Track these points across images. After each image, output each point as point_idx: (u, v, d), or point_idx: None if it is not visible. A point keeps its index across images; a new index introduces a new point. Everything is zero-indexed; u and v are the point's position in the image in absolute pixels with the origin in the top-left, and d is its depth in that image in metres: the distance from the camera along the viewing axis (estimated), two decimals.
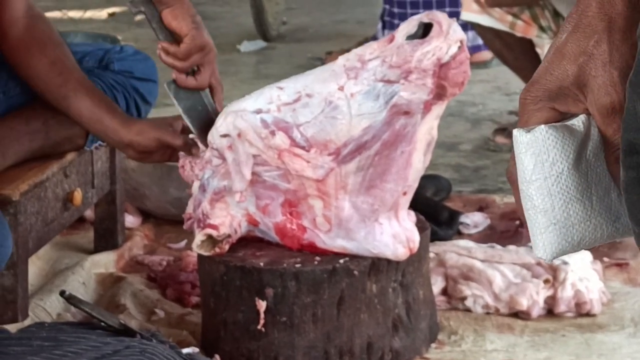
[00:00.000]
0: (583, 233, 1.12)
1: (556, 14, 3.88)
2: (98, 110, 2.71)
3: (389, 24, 4.81)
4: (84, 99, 2.72)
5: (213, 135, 2.66)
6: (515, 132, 1.11)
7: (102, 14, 6.47)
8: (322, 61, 4.98)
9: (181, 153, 2.72)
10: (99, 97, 2.74)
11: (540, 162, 1.10)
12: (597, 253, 3.13)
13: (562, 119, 1.12)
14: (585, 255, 3.00)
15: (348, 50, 2.88)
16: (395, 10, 4.94)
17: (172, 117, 2.83)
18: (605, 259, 3.17)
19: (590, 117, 1.11)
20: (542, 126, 1.10)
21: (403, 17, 3.82)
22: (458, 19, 3.31)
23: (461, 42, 2.63)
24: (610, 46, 1.09)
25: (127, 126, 2.68)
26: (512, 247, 3.09)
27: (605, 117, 1.09)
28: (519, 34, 3.92)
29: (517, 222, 3.43)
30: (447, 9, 4.28)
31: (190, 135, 2.72)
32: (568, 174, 1.11)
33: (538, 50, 3.96)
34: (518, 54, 3.99)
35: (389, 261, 2.66)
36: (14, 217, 2.65)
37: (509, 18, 3.90)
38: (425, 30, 2.64)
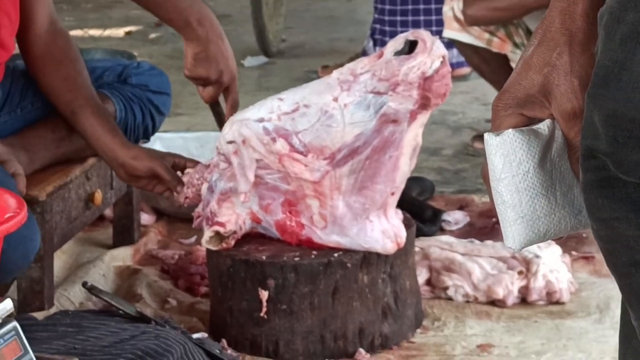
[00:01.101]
0: (548, 225, 1.13)
1: (529, 32, 3.88)
2: (100, 129, 2.68)
3: (380, 42, 4.80)
4: (89, 117, 2.69)
5: (220, 142, 2.66)
6: (486, 135, 1.12)
7: (120, 32, 6.46)
8: (317, 75, 4.98)
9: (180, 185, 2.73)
10: (103, 117, 2.72)
11: (508, 162, 1.10)
12: (566, 247, 3.13)
13: (530, 123, 1.12)
14: (555, 249, 3.00)
15: (341, 65, 2.88)
16: (387, 28, 4.93)
17: (166, 153, 2.83)
18: (574, 253, 3.17)
19: (554, 121, 1.11)
20: (510, 130, 1.11)
21: (394, 35, 3.81)
22: (441, 37, 3.32)
23: (443, 57, 2.62)
24: (571, 57, 1.09)
25: (125, 148, 2.67)
26: (489, 242, 3.08)
27: (567, 121, 1.09)
28: (495, 50, 3.92)
29: (494, 220, 3.42)
30: (434, 28, 4.27)
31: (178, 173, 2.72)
32: (534, 172, 1.11)
33: (512, 64, 3.95)
34: (494, 68, 3.99)
35: (378, 255, 2.66)
36: (41, 215, 2.64)
37: (486, 35, 3.89)
38: (411, 47, 2.64)
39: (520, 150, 1.10)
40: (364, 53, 4.64)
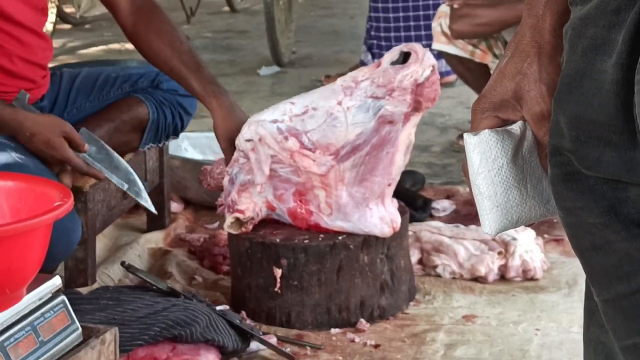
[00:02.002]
0: (520, 213, 1.13)
1: (506, 44, 3.86)
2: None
3: (378, 55, 4.78)
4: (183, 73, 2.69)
5: (240, 140, 2.66)
6: (465, 135, 1.12)
7: None
8: (322, 82, 4.98)
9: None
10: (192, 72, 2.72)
11: (485, 158, 1.10)
12: (539, 231, 3.13)
13: (504, 124, 1.12)
14: (530, 233, 3.00)
15: (343, 74, 2.88)
16: (383, 43, 4.93)
17: None
18: (546, 236, 3.17)
19: (525, 122, 1.11)
20: (486, 130, 1.11)
21: (389, 48, 3.82)
22: (431, 49, 3.32)
23: (433, 67, 2.62)
24: (539, 67, 1.09)
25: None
26: (472, 227, 3.08)
27: (537, 123, 1.10)
28: (477, 60, 3.92)
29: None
30: (424, 42, 4.26)
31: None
32: (507, 167, 1.11)
33: (492, 72, 3.94)
34: (477, 76, 3.98)
35: (377, 238, 2.66)
36: (84, 204, 2.65)
37: (470, 48, 3.89)
38: (405, 57, 2.64)
39: (495, 148, 1.10)
40: (362, 63, 4.63)
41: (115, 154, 2.63)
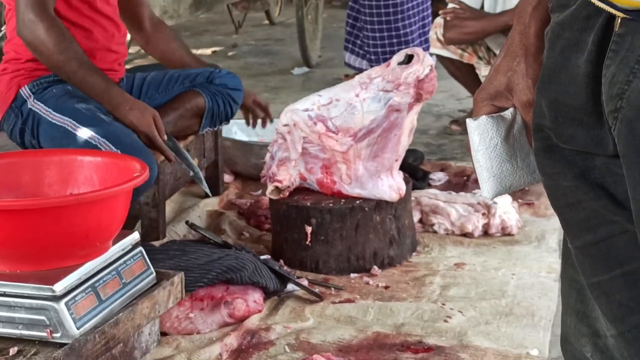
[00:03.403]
0: (512, 181, 1.12)
1: (488, 49, 3.84)
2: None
3: (376, 60, 4.46)
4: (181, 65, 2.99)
5: (278, 125, 2.68)
6: (467, 120, 1.11)
7: (208, 51, 6.45)
8: (342, 79, 4.92)
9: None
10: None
11: (483, 138, 1.09)
12: (514, 196, 3.11)
13: (499, 111, 1.11)
14: (507, 198, 2.98)
15: (357, 74, 2.86)
16: (374, 50, 4.56)
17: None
18: (520, 200, 3.14)
19: (515, 109, 1.10)
20: (484, 116, 1.10)
21: (386, 54, 3.83)
22: (430, 53, 3.28)
23: (431, 66, 2.61)
24: (526, 64, 1.07)
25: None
26: (462, 193, 3.06)
27: (524, 109, 1.08)
28: (465, 61, 3.88)
29: (465, 178, 3.40)
30: (424, 45, 4.17)
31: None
32: (501, 145, 1.10)
33: (477, 71, 3.92)
34: (464, 73, 3.95)
35: (386, 202, 2.65)
36: (157, 176, 2.65)
37: (459, 51, 3.86)
38: (409, 59, 2.62)
39: (491, 130, 1.09)
40: (361, 70, 4.36)
41: (182, 149, 2.62)
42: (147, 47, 2.99)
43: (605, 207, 0.98)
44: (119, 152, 2.27)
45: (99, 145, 2.32)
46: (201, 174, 2.65)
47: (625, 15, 0.87)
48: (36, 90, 2.48)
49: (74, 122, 2.38)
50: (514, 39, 1.09)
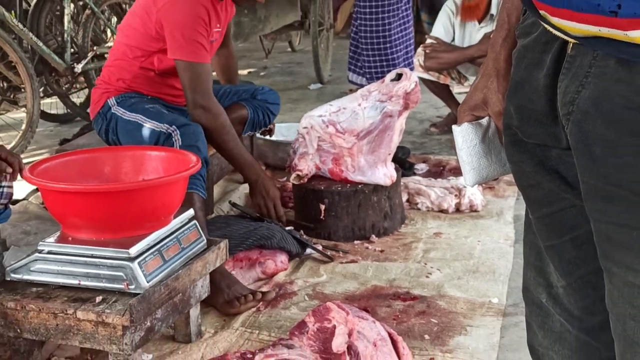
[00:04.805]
0: (487, 173, 1.10)
1: (459, 72, 3.81)
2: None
3: (375, 78, 4.43)
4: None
5: (300, 128, 2.66)
6: (453, 126, 1.11)
7: (244, 72, 6.42)
8: (347, 93, 4.89)
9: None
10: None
11: (465, 140, 1.08)
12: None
13: (477, 119, 1.09)
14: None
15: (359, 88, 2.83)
16: (384, 69, 4.55)
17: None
18: (483, 185, 3.12)
19: (490, 117, 1.09)
20: (466, 123, 1.09)
21: (383, 74, 3.79)
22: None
23: (416, 82, 2.58)
24: (498, 83, 1.06)
25: None
26: (439, 180, 3.03)
27: (496, 117, 1.07)
28: (441, 82, 3.85)
29: (441, 168, 3.37)
30: (408, 67, 4.14)
31: None
32: (479, 145, 1.08)
33: (450, 88, 3.89)
34: (440, 90, 3.91)
35: (382, 186, 2.62)
36: (207, 165, 2.62)
37: (436, 74, 3.82)
38: (399, 77, 2.60)
39: (472, 134, 1.08)
40: (361, 85, 4.36)
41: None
42: (218, 70, 2.90)
43: (558, 187, 0.97)
44: (177, 133, 2.23)
45: (161, 130, 2.28)
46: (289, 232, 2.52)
47: (575, 41, 0.86)
48: (119, 101, 2.47)
49: (143, 117, 2.35)
50: (488, 64, 1.07)
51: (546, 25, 0.89)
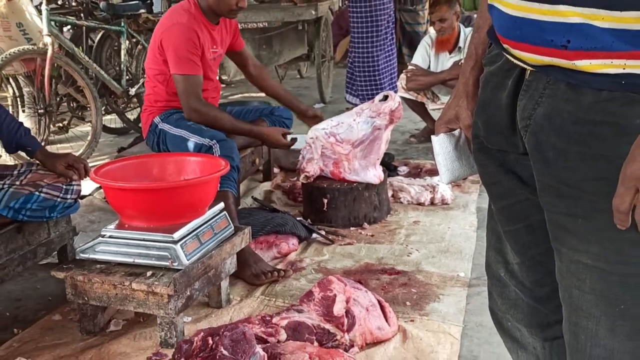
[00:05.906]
0: (459, 173, 1.09)
1: (433, 93, 3.79)
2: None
3: (367, 99, 4.43)
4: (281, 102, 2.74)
5: (307, 138, 2.65)
6: (432, 136, 1.10)
7: (262, 94, 6.38)
8: (344, 111, 4.86)
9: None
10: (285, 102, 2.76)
11: (441, 147, 1.07)
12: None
13: (451, 131, 1.08)
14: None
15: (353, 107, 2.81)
16: (374, 92, 4.55)
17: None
18: (453, 183, 3.10)
19: (461, 130, 1.07)
20: (442, 134, 1.07)
21: (373, 96, 3.77)
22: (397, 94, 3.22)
23: (399, 102, 2.56)
24: (467, 102, 1.05)
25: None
26: (418, 179, 3.01)
27: (466, 129, 1.06)
28: (419, 100, 3.83)
29: (419, 170, 3.35)
30: (393, 90, 4.14)
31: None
32: (452, 151, 1.07)
33: (426, 106, 3.87)
34: (418, 107, 3.88)
35: (372, 184, 2.60)
36: (236, 169, 2.60)
37: (415, 94, 3.80)
38: (385, 98, 2.58)
39: (446, 142, 1.07)
40: (355, 105, 4.35)
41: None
42: (255, 83, 2.82)
43: (515, 185, 0.96)
44: (217, 146, 2.23)
45: (203, 144, 2.28)
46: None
47: (532, 69, 0.85)
48: (163, 118, 2.47)
49: (187, 132, 2.35)
50: (459, 87, 1.06)
51: (508, 56, 0.89)
